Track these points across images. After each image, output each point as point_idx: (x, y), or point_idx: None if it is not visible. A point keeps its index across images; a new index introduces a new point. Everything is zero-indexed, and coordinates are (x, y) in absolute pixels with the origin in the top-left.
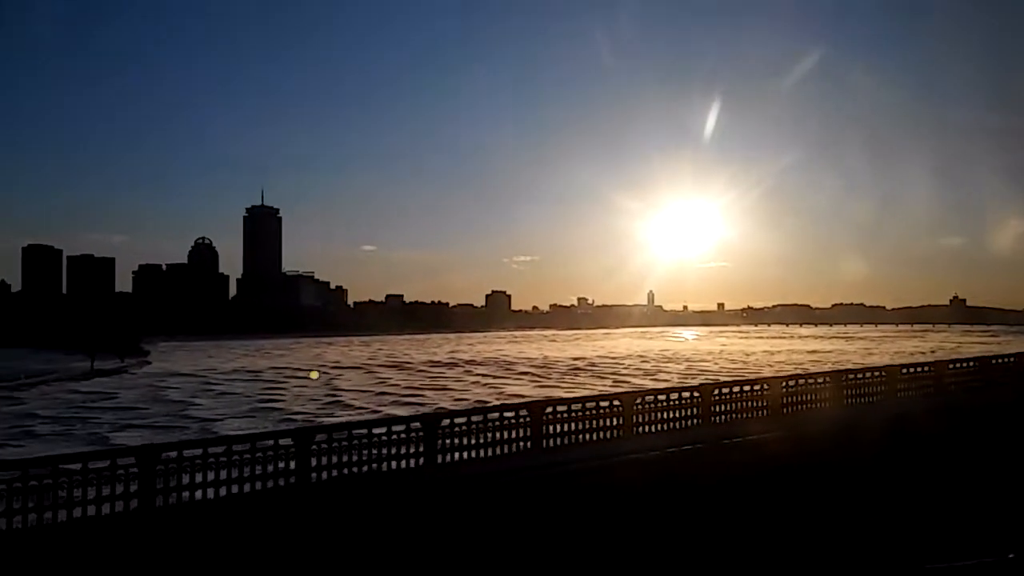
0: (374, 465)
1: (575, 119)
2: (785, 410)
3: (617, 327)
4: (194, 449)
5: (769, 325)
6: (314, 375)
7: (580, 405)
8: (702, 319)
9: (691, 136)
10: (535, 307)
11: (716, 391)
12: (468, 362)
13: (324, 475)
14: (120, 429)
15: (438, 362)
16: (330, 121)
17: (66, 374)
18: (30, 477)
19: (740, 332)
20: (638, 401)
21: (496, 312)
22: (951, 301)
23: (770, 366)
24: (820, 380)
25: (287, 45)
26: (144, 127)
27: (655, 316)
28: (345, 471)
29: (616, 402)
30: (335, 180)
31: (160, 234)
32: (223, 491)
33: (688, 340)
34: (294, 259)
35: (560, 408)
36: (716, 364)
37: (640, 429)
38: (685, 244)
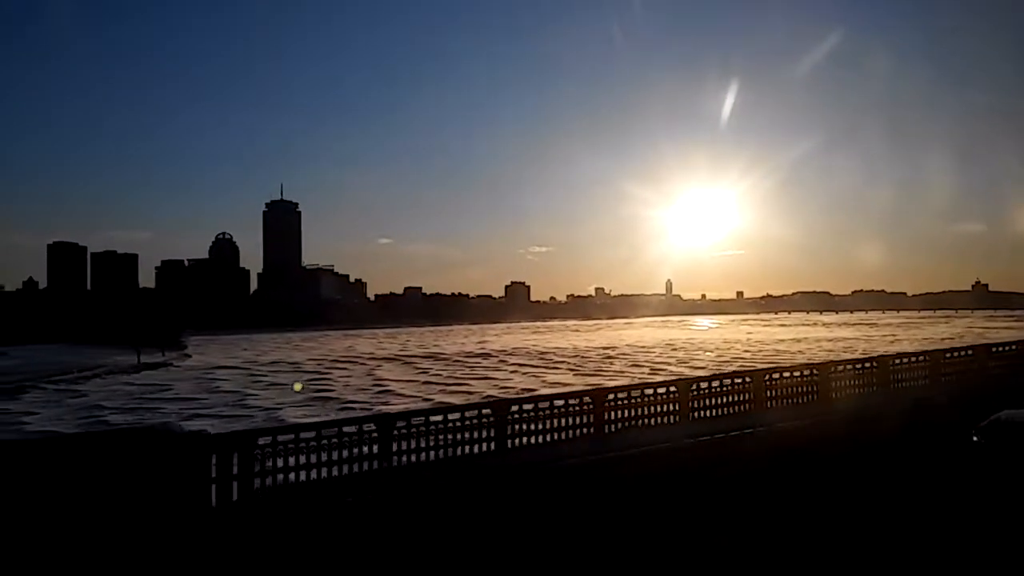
0: (450, 450)
1: (587, 109)
2: (834, 395)
3: (636, 317)
4: (287, 435)
5: (789, 313)
6: (298, 387)
7: (639, 392)
8: (721, 308)
9: (706, 124)
10: (552, 298)
11: (767, 376)
12: (500, 352)
13: (404, 459)
14: (188, 418)
15: (471, 352)
16: (345, 115)
17: (115, 367)
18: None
19: (762, 320)
20: (693, 388)
21: (516, 303)
22: (973, 286)
23: (801, 353)
24: (868, 365)
25: (302, 39)
26: (163, 124)
27: (673, 305)
28: (423, 456)
29: (672, 388)
30: (351, 174)
31: (182, 230)
32: (316, 473)
33: (711, 328)
34: (313, 253)
35: (620, 395)
36: (748, 352)
37: (696, 414)
38: (701, 232)
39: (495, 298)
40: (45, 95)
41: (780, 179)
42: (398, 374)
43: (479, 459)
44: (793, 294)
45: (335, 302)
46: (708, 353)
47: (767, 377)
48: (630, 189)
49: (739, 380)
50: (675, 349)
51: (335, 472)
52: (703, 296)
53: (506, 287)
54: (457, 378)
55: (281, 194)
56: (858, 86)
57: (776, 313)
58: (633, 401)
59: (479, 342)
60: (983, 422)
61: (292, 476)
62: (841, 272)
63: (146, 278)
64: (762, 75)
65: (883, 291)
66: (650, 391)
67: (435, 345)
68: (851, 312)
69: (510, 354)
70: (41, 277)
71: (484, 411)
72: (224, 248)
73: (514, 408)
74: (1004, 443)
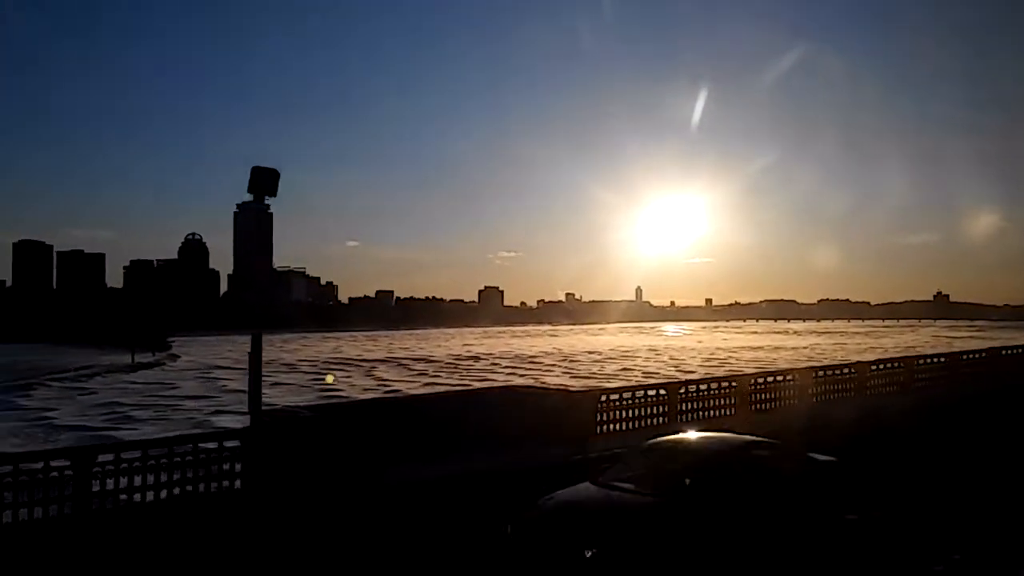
0: None
1: (556, 115)
2: (868, 392)
3: (607, 322)
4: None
5: (757, 321)
6: (329, 379)
7: (706, 385)
8: (690, 315)
9: (673, 133)
10: (523, 303)
11: (815, 373)
12: (488, 355)
13: None
14: (212, 414)
15: (459, 356)
16: (316, 117)
17: (111, 366)
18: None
19: (733, 328)
20: (751, 383)
21: (489, 308)
22: (935, 297)
23: (785, 359)
24: (894, 365)
25: (272, 41)
26: (132, 123)
27: (643, 311)
28: None
29: (734, 383)
30: (319, 176)
31: (150, 230)
32: None
33: (686, 335)
34: (284, 255)
35: (691, 388)
36: (734, 356)
37: (753, 408)
38: (670, 240)
39: (467, 303)
40: (8, 93)
41: (746, 187)
42: (397, 376)
43: None
44: (760, 302)
45: (306, 304)
46: (693, 358)
47: (815, 374)
48: (599, 196)
49: (789, 378)
50: (659, 353)
51: None
52: (672, 303)
53: (479, 292)
54: (458, 380)
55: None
56: (819, 97)
57: (744, 321)
58: (701, 394)
59: (463, 346)
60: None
61: None
62: (805, 281)
63: (114, 278)
64: (728, 84)
65: (847, 300)
66: (715, 385)
67: (419, 348)
68: (817, 320)
69: (499, 357)
70: (7, 276)
71: None
72: (194, 249)
73: (603, 397)
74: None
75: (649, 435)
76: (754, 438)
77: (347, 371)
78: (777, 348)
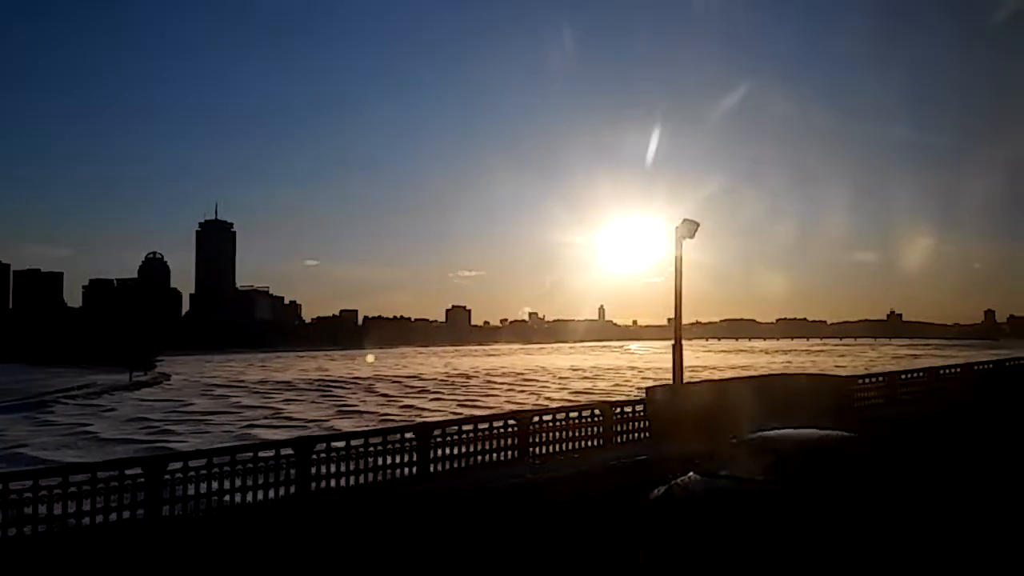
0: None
1: (516, 138)
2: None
3: (573, 341)
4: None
5: (719, 339)
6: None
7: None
8: (653, 334)
9: (631, 158)
10: (486, 322)
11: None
12: (476, 373)
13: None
14: (247, 427)
15: (449, 374)
16: (276, 137)
17: (113, 385)
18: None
19: (704, 347)
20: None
21: (457, 327)
22: (888, 316)
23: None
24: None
25: (232, 61)
26: (91, 139)
27: (607, 331)
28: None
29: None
30: (279, 193)
31: (110, 249)
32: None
33: (656, 353)
34: (246, 274)
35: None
36: (718, 372)
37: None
38: (630, 260)
39: (432, 322)
40: None
41: (700, 210)
42: (401, 393)
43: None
44: (721, 321)
45: (270, 324)
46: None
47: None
48: (558, 216)
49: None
50: (639, 371)
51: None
52: (635, 322)
53: (447, 311)
54: (463, 396)
55: (216, 213)
56: (765, 127)
57: (707, 340)
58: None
59: (445, 364)
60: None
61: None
62: (762, 301)
63: (73, 298)
64: (683, 114)
65: (804, 319)
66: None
67: (403, 367)
68: (777, 339)
69: (489, 374)
70: None
71: (595, 411)
72: (154, 268)
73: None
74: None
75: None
76: (836, 432)
77: (346, 389)
78: (760, 366)
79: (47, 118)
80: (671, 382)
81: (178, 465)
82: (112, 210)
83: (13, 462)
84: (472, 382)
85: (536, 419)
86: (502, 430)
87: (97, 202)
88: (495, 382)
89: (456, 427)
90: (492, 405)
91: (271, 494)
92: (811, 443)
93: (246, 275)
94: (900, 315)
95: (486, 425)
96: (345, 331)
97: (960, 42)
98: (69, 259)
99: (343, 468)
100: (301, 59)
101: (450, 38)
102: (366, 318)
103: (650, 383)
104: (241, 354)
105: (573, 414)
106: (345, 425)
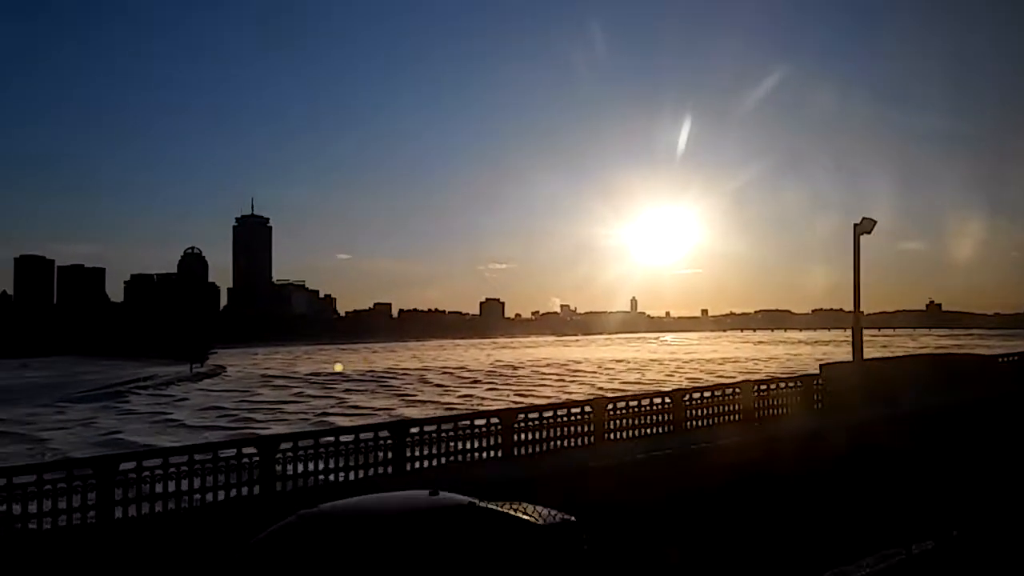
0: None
1: (545, 131)
2: None
3: (607, 333)
4: (428, 425)
5: (755, 331)
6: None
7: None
8: (686, 325)
9: (664, 147)
10: (518, 314)
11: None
12: (521, 365)
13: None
14: (321, 415)
15: (495, 365)
16: (311, 130)
17: (177, 376)
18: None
19: (741, 337)
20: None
21: (491, 319)
22: (927, 306)
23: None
24: None
25: (274, 56)
26: (131, 138)
27: (640, 322)
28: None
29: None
30: (313, 189)
31: (150, 244)
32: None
33: (693, 344)
34: (281, 268)
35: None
36: (762, 365)
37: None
38: (662, 251)
39: (465, 315)
40: (4, 106)
41: (734, 201)
42: (455, 383)
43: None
44: (756, 312)
45: (306, 317)
46: (733, 365)
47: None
48: (589, 208)
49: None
50: (696, 362)
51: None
52: (667, 314)
53: (480, 304)
54: (516, 385)
55: (252, 208)
56: (804, 113)
57: (742, 331)
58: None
59: (487, 356)
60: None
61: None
62: (798, 291)
63: (115, 292)
64: (716, 102)
65: (840, 310)
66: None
67: (447, 359)
68: (814, 330)
69: (533, 365)
70: (9, 290)
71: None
72: (193, 263)
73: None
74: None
75: None
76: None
77: (400, 379)
78: (824, 354)
79: (86, 118)
80: (846, 360)
81: (288, 445)
82: (151, 207)
83: (117, 446)
84: (519, 373)
85: (686, 397)
86: (659, 406)
87: (138, 201)
88: (542, 372)
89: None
90: (548, 395)
91: (371, 472)
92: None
93: (281, 269)
94: (939, 304)
95: (645, 400)
96: (380, 324)
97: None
98: (110, 255)
99: (429, 451)
100: (334, 58)
101: (480, 34)
102: (401, 311)
103: (697, 372)
104: (283, 347)
105: (730, 391)
106: (413, 413)
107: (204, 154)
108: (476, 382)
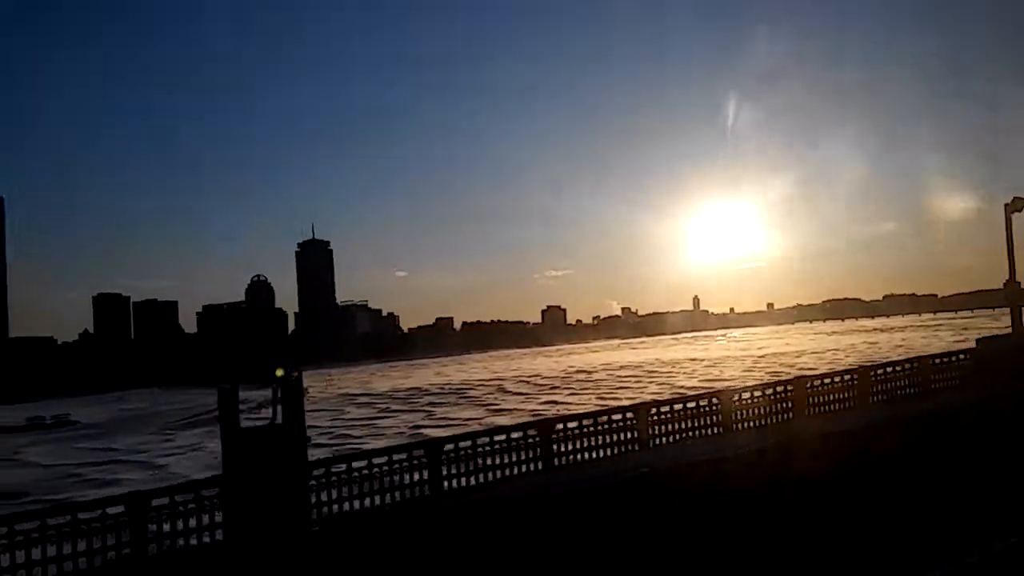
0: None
1: (592, 136)
2: None
3: (671, 333)
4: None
5: (824, 321)
6: None
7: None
8: (752, 320)
9: (719, 142)
10: (579, 320)
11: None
12: (592, 370)
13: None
14: (414, 428)
15: (569, 371)
16: (362, 155)
17: (264, 400)
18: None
19: (812, 328)
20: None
21: (553, 327)
22: (1005, 284)
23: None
24: None
25: (321, 83)
26: (183, 167)
27: (702, 320)
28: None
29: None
30: (366, 210)
31: (219, 275)
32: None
33: (762, 339)
34: (344, 289)
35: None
36: (841, 355)
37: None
38: (719, 247)
39: (527, 323)
40: (63, 153)
41: (797, 192)
42: (534, 391)
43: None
44: (824, 302)
45: (371, 336)
46: (806, 357)
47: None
48: (645, 208)
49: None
50: (770, 356)
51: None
52: (731, 310)
53: (542, 311)
54: (593, 389)
55: (313, 233)
56: (872, 90)
57: (811, 322)
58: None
59: (556, 363)
60: None
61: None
62: (866, 277)
63: (187, 323)
64: (772, 89)
65: (912, 294)
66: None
67: (518, 368)
68: (887, 316)
69: (606, 369)
70: (89, 328)
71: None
72: (260, 290)
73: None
74: None
75: None
76: None
77: (478, 390)
78: (903, 340)
79: (145, 161)
80: (1003, 333)
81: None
82: (217, 239)
83: None
84: (595, 376)
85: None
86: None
87: (203, 232)
88: (619, 375)
89: (745, 393)
90: (631, 396)
91: (523, 468)
92: None
93: (343, 290)
94: (1020, 283)
95: (768, 390)
96: (444, 338)
97: None
98: (181, 288)
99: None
100: (380, 81)
101: (521, 43)
102: (464, 323)
103: (776, 367)
104: (353, 367)
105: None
106: (502, 421)
107: (265, 183)
108: (554, 388)
